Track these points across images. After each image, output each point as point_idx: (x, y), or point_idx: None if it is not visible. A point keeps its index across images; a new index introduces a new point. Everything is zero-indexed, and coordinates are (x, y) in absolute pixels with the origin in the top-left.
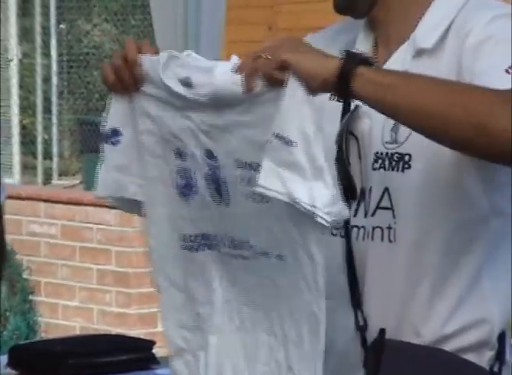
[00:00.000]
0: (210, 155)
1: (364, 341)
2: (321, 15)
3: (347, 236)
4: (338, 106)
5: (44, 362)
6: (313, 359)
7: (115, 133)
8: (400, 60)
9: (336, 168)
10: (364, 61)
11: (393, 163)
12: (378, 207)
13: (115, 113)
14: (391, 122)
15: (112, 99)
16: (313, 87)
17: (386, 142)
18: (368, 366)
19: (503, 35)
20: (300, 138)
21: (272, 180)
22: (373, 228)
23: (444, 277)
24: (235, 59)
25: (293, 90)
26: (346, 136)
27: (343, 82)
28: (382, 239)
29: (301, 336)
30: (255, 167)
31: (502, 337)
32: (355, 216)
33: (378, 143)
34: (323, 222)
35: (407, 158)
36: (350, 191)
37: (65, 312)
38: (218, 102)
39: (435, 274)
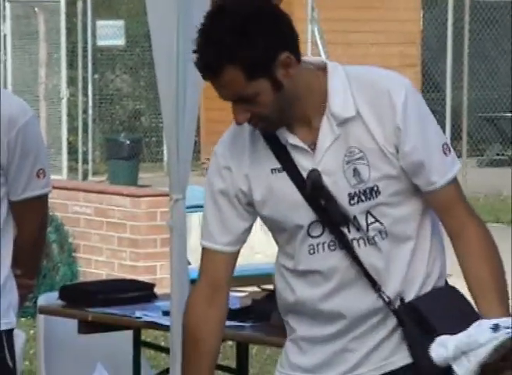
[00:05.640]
0: None
1: (394, 310)
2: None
3: (349, 247)
4: (284, 175)
5: (82, 297)
6: None
7: None
8: (329, 132)
9: (328, 209)
10: None
11: (368, 195)
12: (368, 224)
13: None
14: (350, 172)
15: None
16: None
17: (354, 184)
18: (407, 323)
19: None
20: None
21: None
22: (372, 236)
23: (422, 248)
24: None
25: None
26: (321, 191)
27: None
28: (382, 238)
29: None
30: None
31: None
32: (349, 232)
33: (347, 187)
34: None
35: (375, 188)
36: (342, 218)
37: (96, 265)
38: None
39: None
